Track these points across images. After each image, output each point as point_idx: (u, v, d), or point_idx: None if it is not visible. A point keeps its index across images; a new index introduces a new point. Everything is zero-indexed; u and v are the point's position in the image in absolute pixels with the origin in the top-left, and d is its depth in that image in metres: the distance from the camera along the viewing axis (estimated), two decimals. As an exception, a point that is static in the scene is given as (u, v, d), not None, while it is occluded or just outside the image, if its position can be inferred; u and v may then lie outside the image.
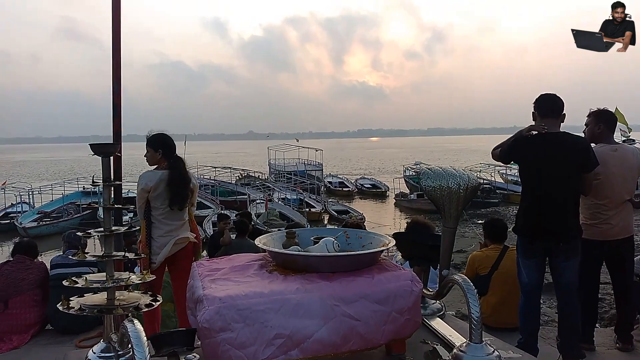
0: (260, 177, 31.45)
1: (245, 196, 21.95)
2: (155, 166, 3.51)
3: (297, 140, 38.97)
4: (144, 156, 3.52)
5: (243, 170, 33.02)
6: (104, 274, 1.71)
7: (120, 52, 4.05)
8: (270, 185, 26.18)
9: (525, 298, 3.01)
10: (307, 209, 20.23)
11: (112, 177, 1.79)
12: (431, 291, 2.09)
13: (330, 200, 24.35)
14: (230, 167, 31.42)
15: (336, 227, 2.51)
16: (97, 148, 1.73)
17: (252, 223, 8.01)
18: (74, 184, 25.81)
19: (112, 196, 1.81)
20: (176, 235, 3.44)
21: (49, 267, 4.29)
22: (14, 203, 22.75)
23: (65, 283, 1.67)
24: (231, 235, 6.41)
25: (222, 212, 12.99)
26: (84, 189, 24.97)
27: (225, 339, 1.46)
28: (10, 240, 18.67)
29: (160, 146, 3.50)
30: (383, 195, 29.11)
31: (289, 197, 22.13)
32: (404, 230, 3.21)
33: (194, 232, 3.72)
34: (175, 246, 3.43)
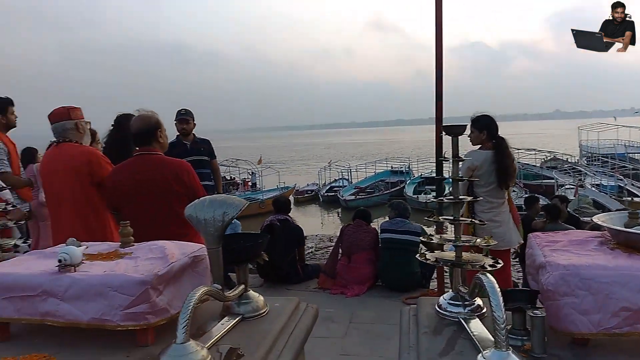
0: (569, 160, 28.76)
1: (552, 180, 20.49)
2: (479, 146, 3.75)
3: (615, 119, 34.10)
4: (468, 136, 3.79)
5: (549, 152, 30.73)
6: (451, 235, 2.02)
7: (442, 44, 4.41)
8: (582, 170, 23.69)
9: None
10: (630, 198, 17.63)
11: (458, 154, 2.06)
12: None
13: (663, 189, 20.59)
14: (534, 149, 29.66)
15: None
16: (448, 129, 2.03)
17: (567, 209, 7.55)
18: (383, 164, 28.58)
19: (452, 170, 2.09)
20: (498, 213, 3.64)
21: (379, 232, 5.05)
22: (337, 178, 26.62)
23: (421, 238, 2.05)
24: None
25: (533, 195, 12.47)
26: (391, 168, 27.43)
27: (569, 304, 1.57)
28: (334, 209, 22.01)
29: (485, 127, 3.71)
30: None
31: (605, 184, 19.64)
32: None
33: (512, 211, 3.84)
34: None
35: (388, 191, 22.67)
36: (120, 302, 1.46)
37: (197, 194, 2.82)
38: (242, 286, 1.78)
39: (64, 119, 3.15)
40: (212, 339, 1.52)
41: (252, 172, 26.35)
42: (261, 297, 1.83)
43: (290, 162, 53.65)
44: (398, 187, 23.02)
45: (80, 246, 1.66)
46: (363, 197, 22.18)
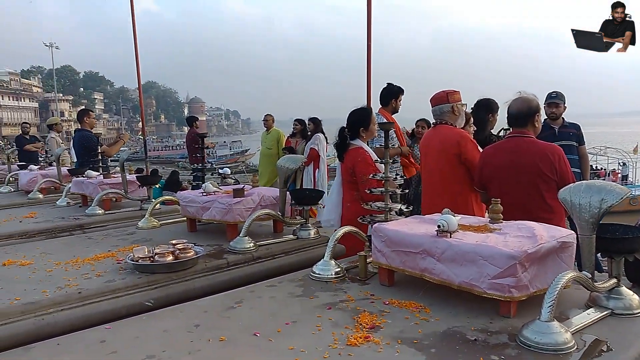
0: None
1: None
2: None
3: None
4: None
5: None
6: None
7: None
8: None
9: None
10: None
11: None
12: None
13: None
14: None
15: None
16: None
17: None
18: None
19: None
20: None
21: None
22: None
23: None
24: None
25: None
26: None
27: None
28: None
29: None
30: None
31: None
32: None
33: None
34: None
35: None
36: (489, 271, 1.58)
37: (567, 180, 2.72)
38: (615, 280, 1.68)
39: (443, 103, 3.49)
40: (575, 325, 1.50)
41: (623, 163, 22.99)
42: (636, 296, 1.68)
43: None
44: None
45: (455, 216, 1.86)
46: None
